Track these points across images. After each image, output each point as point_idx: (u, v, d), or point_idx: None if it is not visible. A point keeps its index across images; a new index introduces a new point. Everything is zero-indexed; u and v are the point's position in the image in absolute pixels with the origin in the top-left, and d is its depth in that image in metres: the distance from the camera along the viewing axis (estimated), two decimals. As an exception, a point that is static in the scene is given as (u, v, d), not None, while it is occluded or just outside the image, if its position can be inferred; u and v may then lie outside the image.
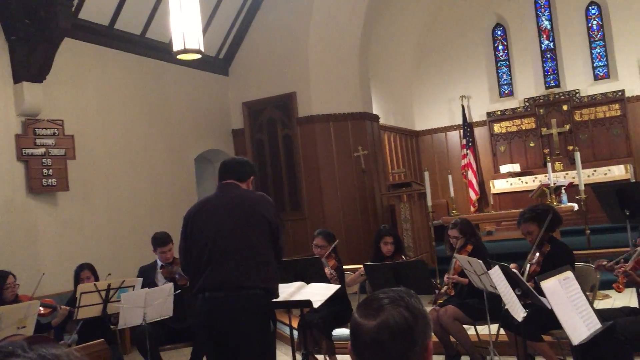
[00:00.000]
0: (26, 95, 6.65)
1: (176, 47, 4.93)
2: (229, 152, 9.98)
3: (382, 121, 10.74)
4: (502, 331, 4.59)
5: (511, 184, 11.34)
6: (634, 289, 4.52)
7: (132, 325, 4.60)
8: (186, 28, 4.85)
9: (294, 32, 9.50)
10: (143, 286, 4.84)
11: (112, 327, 5.05)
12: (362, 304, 1.37)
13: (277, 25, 9.63)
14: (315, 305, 3.99)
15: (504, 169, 11.66)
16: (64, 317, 4.97)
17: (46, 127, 6.82)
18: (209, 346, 3.33)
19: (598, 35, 11.79)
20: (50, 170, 6.81)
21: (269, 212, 3.37)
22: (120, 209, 7.74)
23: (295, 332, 5.11)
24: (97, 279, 5.23)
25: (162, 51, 8.44)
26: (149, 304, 4.41)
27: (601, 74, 11.77)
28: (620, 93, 11.20)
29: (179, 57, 5.22)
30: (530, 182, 10.98)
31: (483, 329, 4.76)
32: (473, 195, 12.07)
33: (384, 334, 1.28)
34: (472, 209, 11.95)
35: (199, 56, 5.19)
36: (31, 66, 6.63)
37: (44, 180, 6.75)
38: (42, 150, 6.77)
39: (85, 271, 5.24)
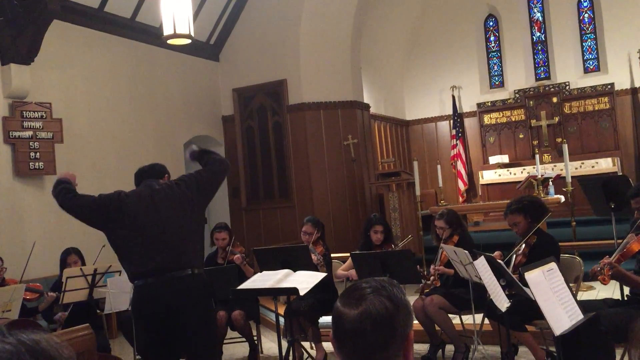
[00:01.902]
0: (14, 77, 6.57)
1: (166, 31, 4.90)
2: (218, 138, 9.94)
3: (372, 110, 10.73)
4: (486, 321, 4.64)
5: (500, 175, 11.38)
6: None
7: (118, 310, 4.60)
8: (177, 12, 4.82)
9: (286, 18, 9.45)
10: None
11: (98, 312, 5.04)
12: (345, 293, 1.38)
13: (269, 11, 9.56)
14: (302, 292, 4.02)
15: (493, 160, 11.71)
16: (50, 303, 4.95)
17: (34, 110, 6.76)
18: (148, 333, 3.39)
19: (589, 28, 11.81)
20: (38, 154, 6.76)
21: (192, 188, 3.54)
22: (108, 193, 7.69)
23: (282, 319, 5.14)
24: (84, 263, 5.21)
25: (152, 35, 8.36)
26: (136, 290, 4.40)
27: (591, 67, 11.81)
28: (609, 86, 11.26)
29: (169, 41, 5.19)
30: (518, 174, 11.02)
31: (468, 319, 4.80)
32: (462, 186, 12.12)
33: (365, 323, 1.29)
34: (461, 199, 12.00)
35: (189, 41, 5.16)
36: (19, 48, 6.55)
37: (31, 163, 6.70)
38: (29, 133, 6.71)
39: (72, 255, 5.20)
